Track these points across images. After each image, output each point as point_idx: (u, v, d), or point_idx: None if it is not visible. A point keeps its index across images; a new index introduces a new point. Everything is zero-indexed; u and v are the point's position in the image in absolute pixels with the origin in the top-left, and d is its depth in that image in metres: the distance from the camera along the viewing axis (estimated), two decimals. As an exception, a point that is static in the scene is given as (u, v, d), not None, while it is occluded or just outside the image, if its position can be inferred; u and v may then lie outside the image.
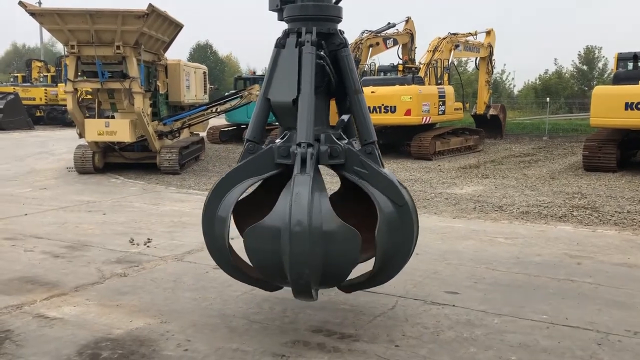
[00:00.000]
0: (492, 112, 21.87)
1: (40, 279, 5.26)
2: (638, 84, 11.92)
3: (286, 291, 3.71)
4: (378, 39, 18.58)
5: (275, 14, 4.00)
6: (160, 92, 13.50)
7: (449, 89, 17.45)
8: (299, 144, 3.56)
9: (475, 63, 22.91)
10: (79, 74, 11.74)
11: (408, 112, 15.30)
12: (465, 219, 7.91)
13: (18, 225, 7.52)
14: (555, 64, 67.08)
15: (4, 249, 6.35)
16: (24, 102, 29.27)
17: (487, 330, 4.06)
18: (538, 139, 21.98)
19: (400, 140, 16.34)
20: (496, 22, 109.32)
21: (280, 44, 3.85)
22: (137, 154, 13.15)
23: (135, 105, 11.53)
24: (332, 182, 9.49)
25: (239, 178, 3.80)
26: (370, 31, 18.43)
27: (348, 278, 3.81)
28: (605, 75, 48.67)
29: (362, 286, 4.11)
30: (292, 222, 3.34)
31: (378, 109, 15.35)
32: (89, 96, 14.03)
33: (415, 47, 20.68)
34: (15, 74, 38.33)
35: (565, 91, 49.97)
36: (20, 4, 10.95)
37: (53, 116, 30.82)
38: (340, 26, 3.98)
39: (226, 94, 16.94)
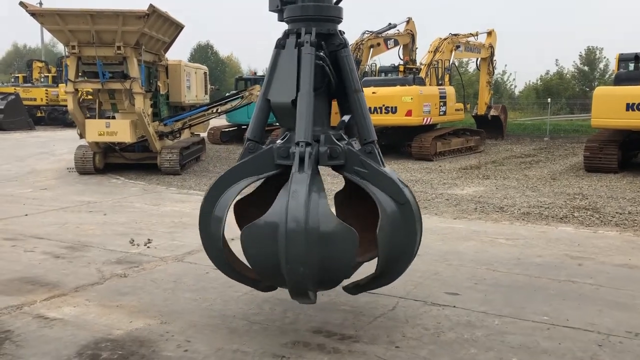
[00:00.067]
0: (493, 112, 21.87)
1: (40, 280, 5.26)
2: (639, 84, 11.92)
3: (287, 292, 3.70)
4: (379, 39, 18.60)
5: (276, 15, 4.00)
6: (161, 93, 13.51)
7: (450, 90, 17.43)
8: (297, 143, 3.55)
9: (476, 64, 22.90)
10: (80, 74, 11.73)
11: (409, 113, 15.29)
12: (466, 219, 7.90)
13: (18, 225, 7.52)
14: (557, 65, 67.26)
15: (4, 249, 6.35)
16: (25, 102, 29.28)
17: (487, 331, 4.05)
18: (539, 139, 21.97)
19: (401, 141, 16.33)
20: (497, 22, 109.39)
21: (280, 45, 3.84)
22: (138, 154, 13.14)
23: (136, 106, 11.54)
24: (333, 183, 9.50)
25: (237, 177, 3.79)
26: (371, 32, 18.46)
27: (353, 280, 3.78)
28: (607, 76, 48.62)
29: (367, 287, 4.07)
30: (289, 220, 3.32)
31: (379, 110, 15.35)
32: (89, 96, 14.07)
33: (416, 48, 20.74)
34: (16, 75, 38.41)
35: (566, 92, 49.93)
36: (21, 4, 10.96)
37: (54, 117, 30.86)
38: (340, 26, 3.98)
39: (227, 94, 16.92)
